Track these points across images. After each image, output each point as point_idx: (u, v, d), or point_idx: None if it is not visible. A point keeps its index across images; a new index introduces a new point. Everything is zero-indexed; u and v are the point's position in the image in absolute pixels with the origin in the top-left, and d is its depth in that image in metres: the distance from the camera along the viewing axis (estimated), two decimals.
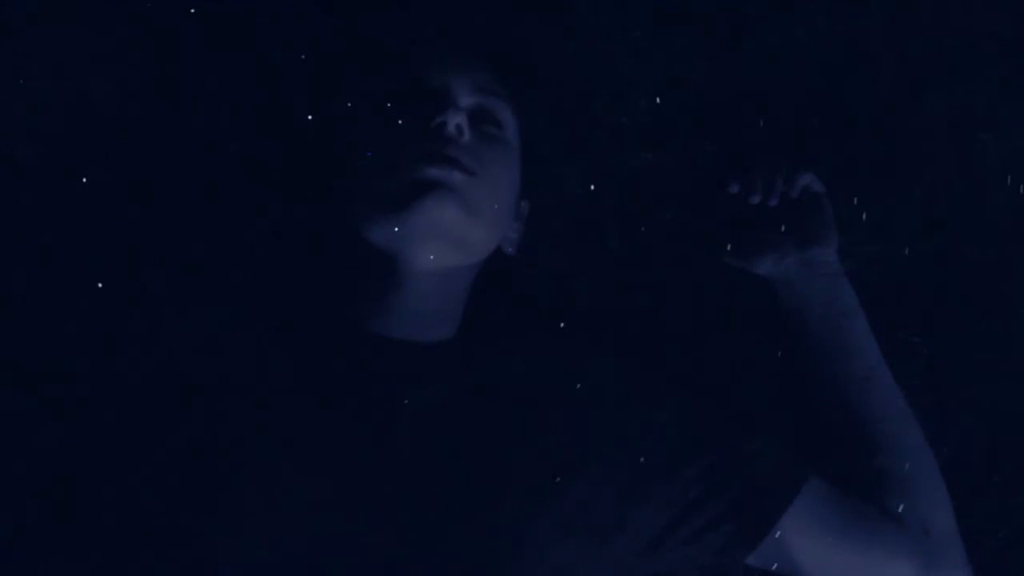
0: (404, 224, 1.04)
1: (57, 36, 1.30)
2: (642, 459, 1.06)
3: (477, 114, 1.11)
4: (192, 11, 1.31)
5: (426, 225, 1.04)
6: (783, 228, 1.22)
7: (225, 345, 1.06)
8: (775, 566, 1.10)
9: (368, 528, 0.94)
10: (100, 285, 1.22)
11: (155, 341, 1.06)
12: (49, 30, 1.30)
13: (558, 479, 1.01)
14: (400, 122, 1.08)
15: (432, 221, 1.04)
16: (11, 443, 1.01)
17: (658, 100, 1.36)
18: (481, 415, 1.04)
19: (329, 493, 0.95)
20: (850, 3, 1.36)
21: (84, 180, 1.28)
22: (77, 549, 0.96)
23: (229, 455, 0.96)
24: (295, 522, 0.93)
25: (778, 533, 1.07)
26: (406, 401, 1.02)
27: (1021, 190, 1.36)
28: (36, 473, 0.99)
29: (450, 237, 1.06)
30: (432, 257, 1.06)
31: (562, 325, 1.31)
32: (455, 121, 1.06)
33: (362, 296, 1.09)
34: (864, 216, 1.33)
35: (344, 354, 1.05)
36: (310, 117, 1.24)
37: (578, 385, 1.09)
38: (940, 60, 1.37)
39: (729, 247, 1.26)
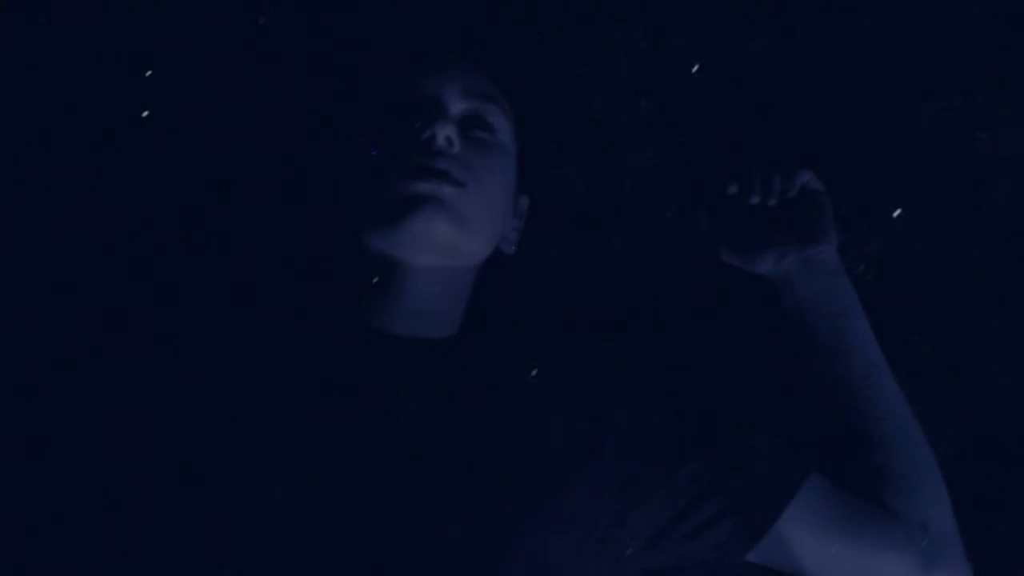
0: (396, 237, 1.05)
1: (61, 36, 1.31)
2: (642, 456, 1.06)
3: (468, 120, 1.11)
4: (190, 16, 1.32)
5: (418, 238, 1.05)
6: (782, 227, 1.23)
7: (226, 342, 1.06)
8: (775, 563, 1.10)
9: (367, 523, 0.94)
10: (101, 285, 1.23)
11: (157, 339, 1.06)
12: (53, 30, 1.31)
13: (557, 475, 1.01)
14: (391, 132, 1.08)
15: (424, 235, 1.05)
16: (11, 439, 1.01)
17: (658, 100, 1.37)
18: (481, 412, 1.04)
19: (329, 487, 0.95)
20: (850, 3, 1.37)
21: (85, 180, 1.28)
22: (78, 543, 0.96)
23: (230, 451, 0.96)
24: (295, 517, 0.93)
25: (778, 530, 1.07)
26: (406, 397, 1.02)
27: (1020, 189, 1.36)
28: (35, 466, 0.99)
29: (443, 248, 1.06)
30: (427, 264, 1.07)
31: (563, 323, 1.31)
32: (444, 133, 1.06)
33: (362, 295, 1.09)
34: (863, 215, 1.34)
35: (344, 350, 1.06)
36: (306, 123, 1.25)
37: (578, 382, 1.10)
38: (939, 60, 1.37)
39: (729, 247, 1.27)
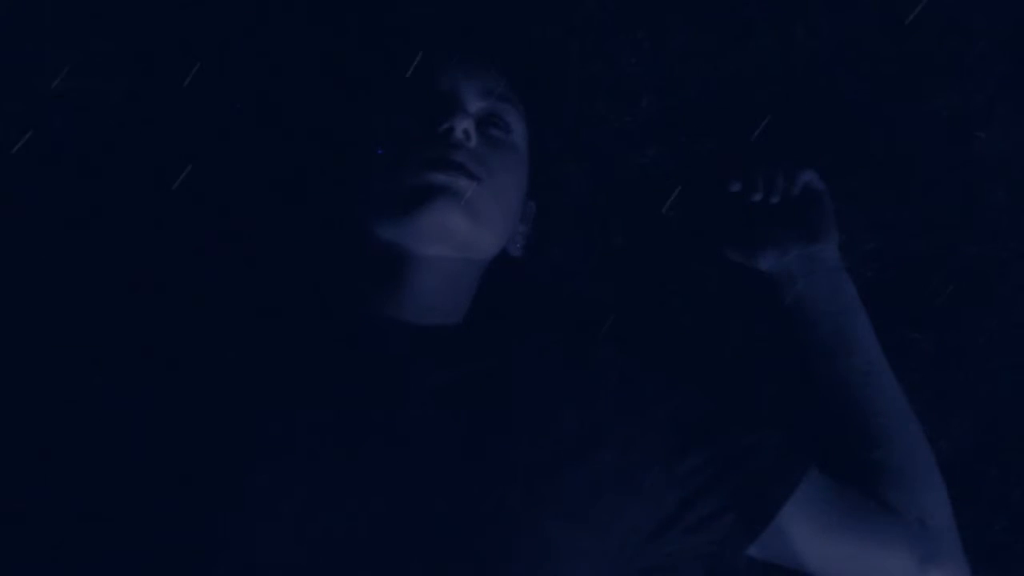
0: (409, 227, 1.05)
1: (67, 36, 1.31)
2: (642, 450, 1.06)
3: (485, 118, 1.12)
4: (202, 11, 1.33)
5: (431, 229, 1.05)
6: (784, 225, 1.24)
7: (232, 333, 1.06)
8: (775, 557, 1.11)
9: (372, 511, 0.94)
10: (106, 278, 1.23)
11: (163, 332, 1.07)
12: (59, 30, 1.31)
13: (557, 466, 1.01)
14: (408, 125, 1.09)
15: (437, 226, 1.05)
16: (11, 428, 1.02)
17: (660, 99, 1.37)
18: (486, 402, 1.03)
19: (335, 475, 0.95)
20: (850, 3, 1.37)
21: (91, 174, 1.29)
22: (80, 540, 0.97)
23: (235, 442, 0.96)
24: (300, 506, 0.94)
25: (778, 524, 1.08)
26: (409, 386, 1.02)
27: (1019, 189, 1.37)
28: (36, 464, 1.00)
29: (455, 241, 1.07)
30: (435, 255, 1.08)
31: (565, 320, 1.32)
32: (462, 126, 1.07)
33: (369, 285, 1.10)
34: (863, 213, 1.34)
35: (347, 339, 1.06)
36: (320, 116, 1.26)
37: (580, 375, 1.10)
38: (938, 59, 1.37)
39: (731, 244, 1.27)
